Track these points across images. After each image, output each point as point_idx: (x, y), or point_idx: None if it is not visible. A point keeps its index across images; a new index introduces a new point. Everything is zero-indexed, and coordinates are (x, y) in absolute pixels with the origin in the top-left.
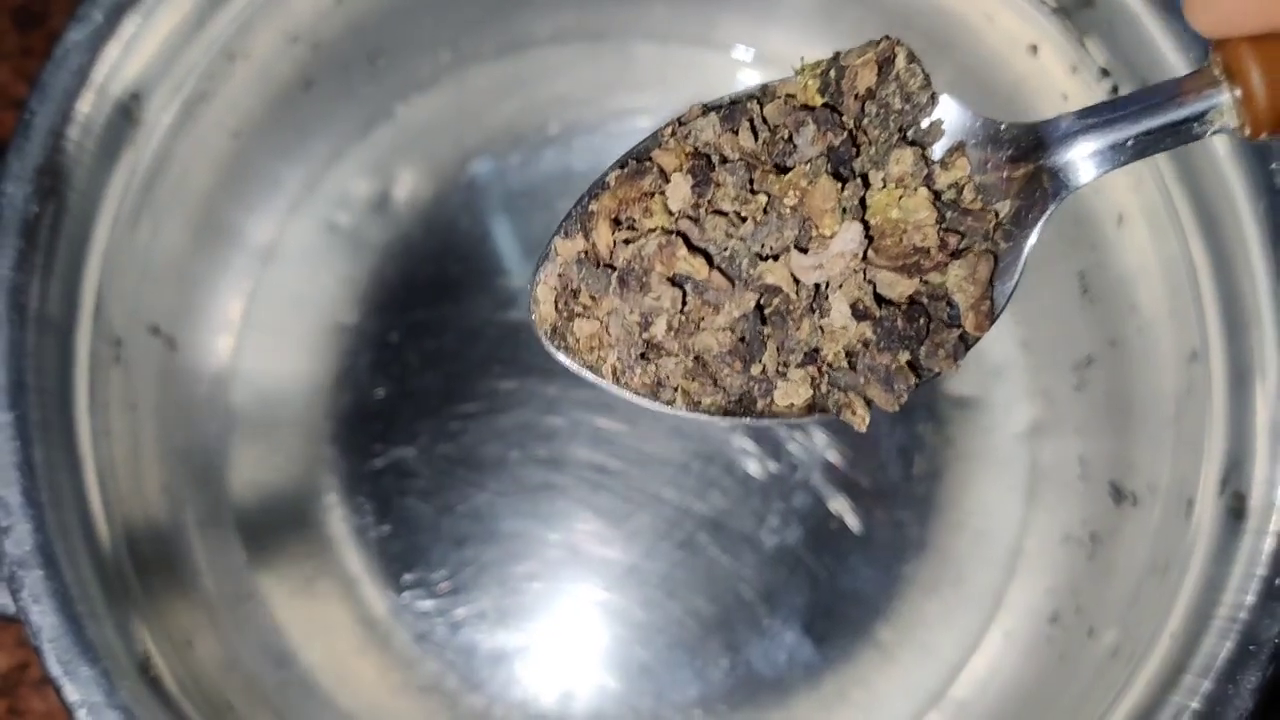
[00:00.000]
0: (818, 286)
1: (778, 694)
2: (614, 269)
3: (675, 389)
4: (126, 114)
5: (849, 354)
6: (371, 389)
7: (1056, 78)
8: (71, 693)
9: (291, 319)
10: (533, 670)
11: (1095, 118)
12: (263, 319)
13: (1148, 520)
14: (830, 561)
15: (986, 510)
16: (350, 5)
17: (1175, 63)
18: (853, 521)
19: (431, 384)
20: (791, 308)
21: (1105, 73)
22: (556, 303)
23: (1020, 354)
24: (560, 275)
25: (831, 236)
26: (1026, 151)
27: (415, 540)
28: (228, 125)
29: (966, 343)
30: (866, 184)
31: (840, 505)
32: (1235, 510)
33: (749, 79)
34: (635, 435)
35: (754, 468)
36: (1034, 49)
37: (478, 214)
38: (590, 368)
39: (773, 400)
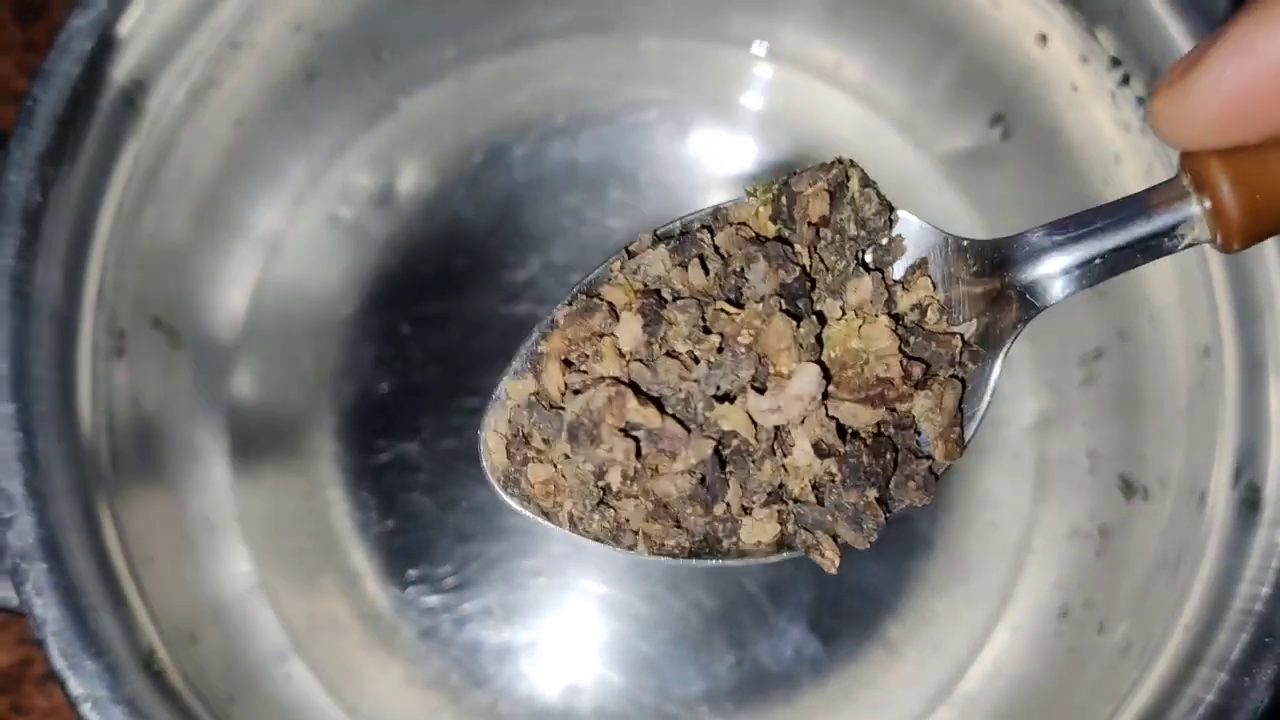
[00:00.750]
0: (777, 428)
1: (784, 690)
2: (565, 411)
3: (636, 532)
4: (130, 102)
5: (815, 486)
6: (375, 383)
7: (1066, 68)
8: (76, 686)
9: (294, 312)
10: (538, 666)
11: (1062, 234)
12: (266, 312)
13: (1159, 514)
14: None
15: (995, 505)
16: None
17: (1187, 50)
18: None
19: (435, 378)
20: (751, 449)
21: (1116, 62)
22: (509, 448)
23: (1027, 346)
24: (509, 421)
25: (789, 375)
26: (992, 267)
27: (419, 535)
28: (231, 115)
29: (936, 473)
30: (822, 320)
31: None
32: (1249, 502)
33: (763, 74)
34: None
35: None
36: (1043, 38)
37: (482, 207)
38: (546, 515)
39: (739, 539)
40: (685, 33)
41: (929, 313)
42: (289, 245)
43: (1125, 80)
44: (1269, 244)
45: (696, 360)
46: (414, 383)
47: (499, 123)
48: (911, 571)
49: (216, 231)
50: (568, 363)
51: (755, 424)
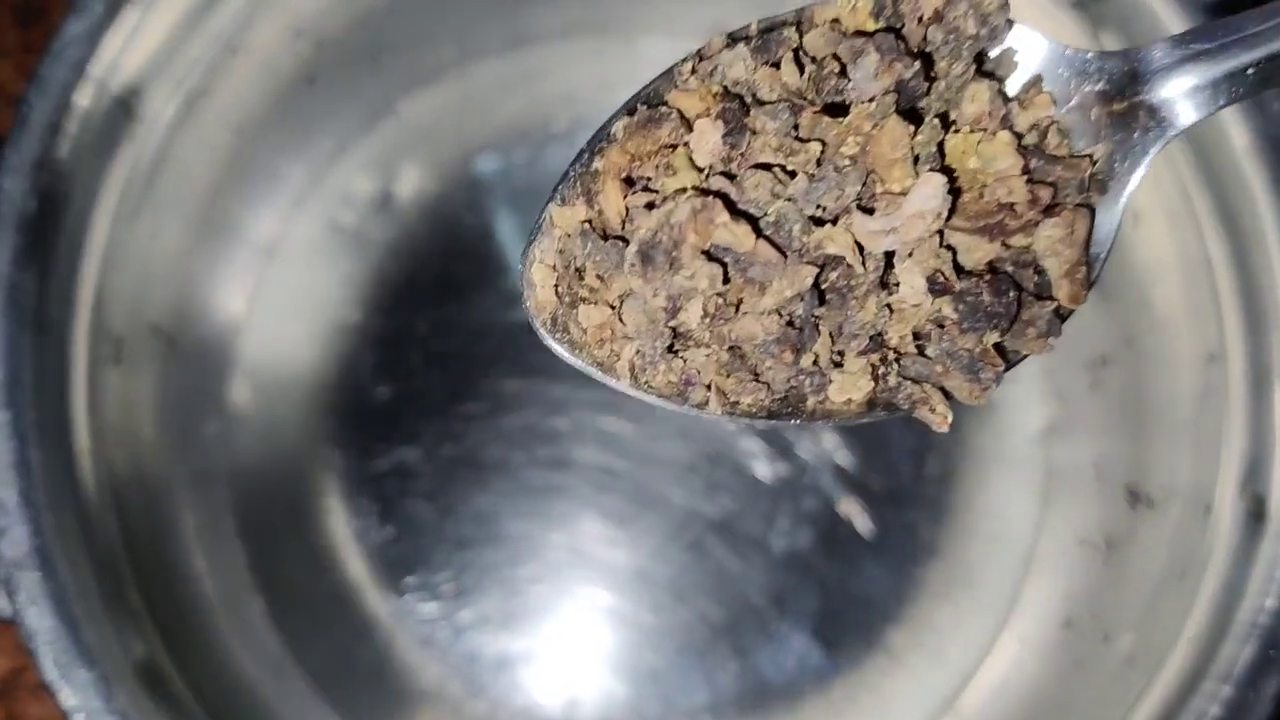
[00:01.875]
0: (888, 256)
1: (787, 700)
2: (626, 241)
3: (708, 387)
4: (126, 109)
5: (917, 336)
6: (374, 389)
7: None
8: (68, 697)
9: (293, 318)
10: (537, 676)
11: (1204, 42)
12: (264, 318)
13: (1164, 523)
14: (840, 565)
15: (999, 513)
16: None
17: None
18: (863, 524)
19: (435, 384)
20: (854, 283)
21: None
22: (556, 286)
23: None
24: (560, 252)
25: (903, 192)
26: (1118, 86)
27: (417, 542)
28: (229, 121)
29: (1061, 316)
30: (945, 124)
31: (850, 508)
32: (1255, 513)
33: None
34: (641, 436)
35: (762, 469)
36: None
37: (482, 211)
38: (600, 365)
39: (826, 397)
40: (685, 33)
41: (1049, 135)
42: (288, 250)
43: None
44: (1276, 255)
45: (791, 175)
46: (413, 388)
47: (499, 126)
48: (915, 579)
49: (215, 237)
50: (628, 182)
51: (862, 250)
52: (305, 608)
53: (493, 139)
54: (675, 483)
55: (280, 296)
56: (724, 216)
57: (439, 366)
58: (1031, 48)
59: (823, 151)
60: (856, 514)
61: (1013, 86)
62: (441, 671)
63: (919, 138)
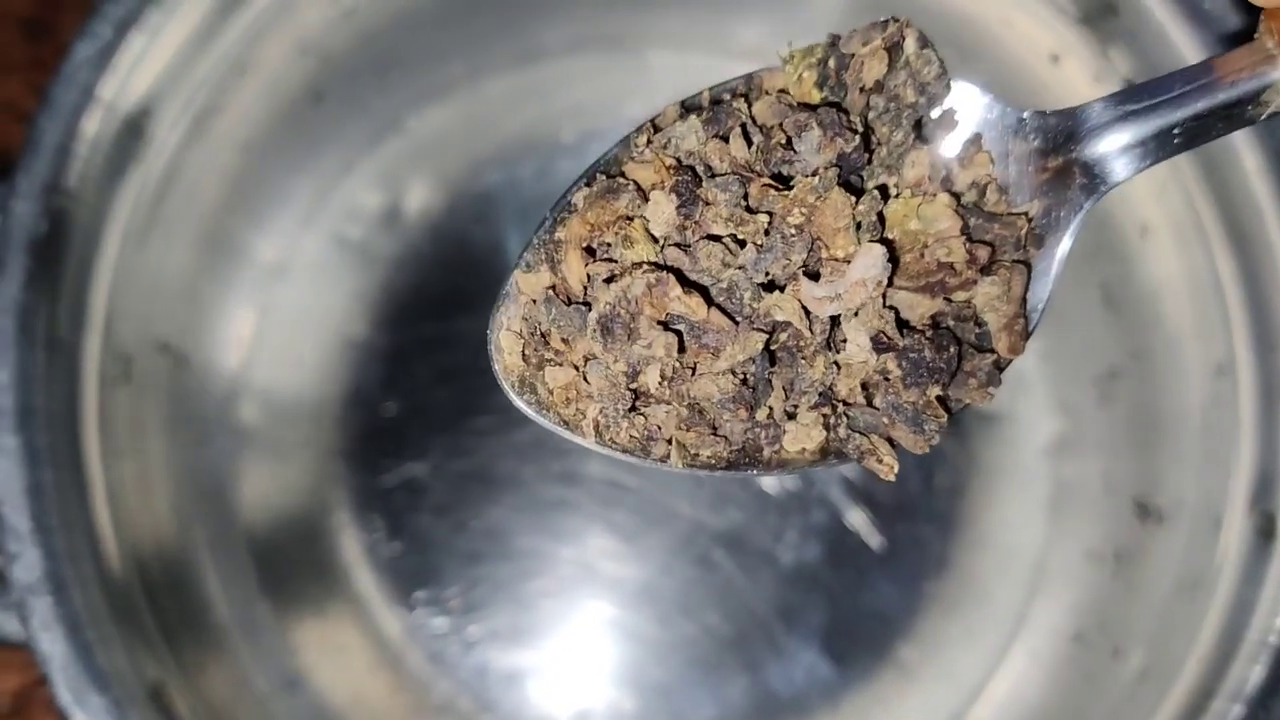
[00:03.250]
0: (833, 319)
1: (796, 714)
2: (588, 306)
3: (669, 442)
4: (135, 130)
5: (865, 387)
6: (382, 404)
7: (1078, 87)
8: None
9: (302, 334)
10: (546, 690)
11: (1134, 103)
12: (273, 334)
13: (1174, 538)
14: (849, 579)
15: (1009, 526)
16: (362, 17)
17: None
18: (872, 538)
19: (444, 399)
20: (803, 344)
21: (1129, 83)
22: (523, 351)
23: (1041, 366)
24: (525, 318)
25: (846, 259)
26: (1055, 143)
27: (427, 558)
28: (237, 139)
29: (1000, 367)
30: (885, 195)
31: (859, 521)
32: (1265, 530)
33: None
34: None
35: (770, 483)
36: (1055, 58)
37: (490, 226)
38: (567, 423)
39: (781, 447)
40: (693, 47)
41: (988, 192)
42: (296, 266)
43: None
44: None
45: (741, 244)
46: (422, 404)
47: (507, 140)
48: (923, 593)
49: (223, 254)
50: (589, 251)
51: (809, 314)
52: (316, 624)
53: (500, 153)
54: (683, 496)
55: (288, 312)
56: (677, 291)
57: (447, 381)
58: (971, 104)
59: (770, 221)
60: (865, 527)
61: (954, 145)
62: (451, 686)
63: (860, 207)
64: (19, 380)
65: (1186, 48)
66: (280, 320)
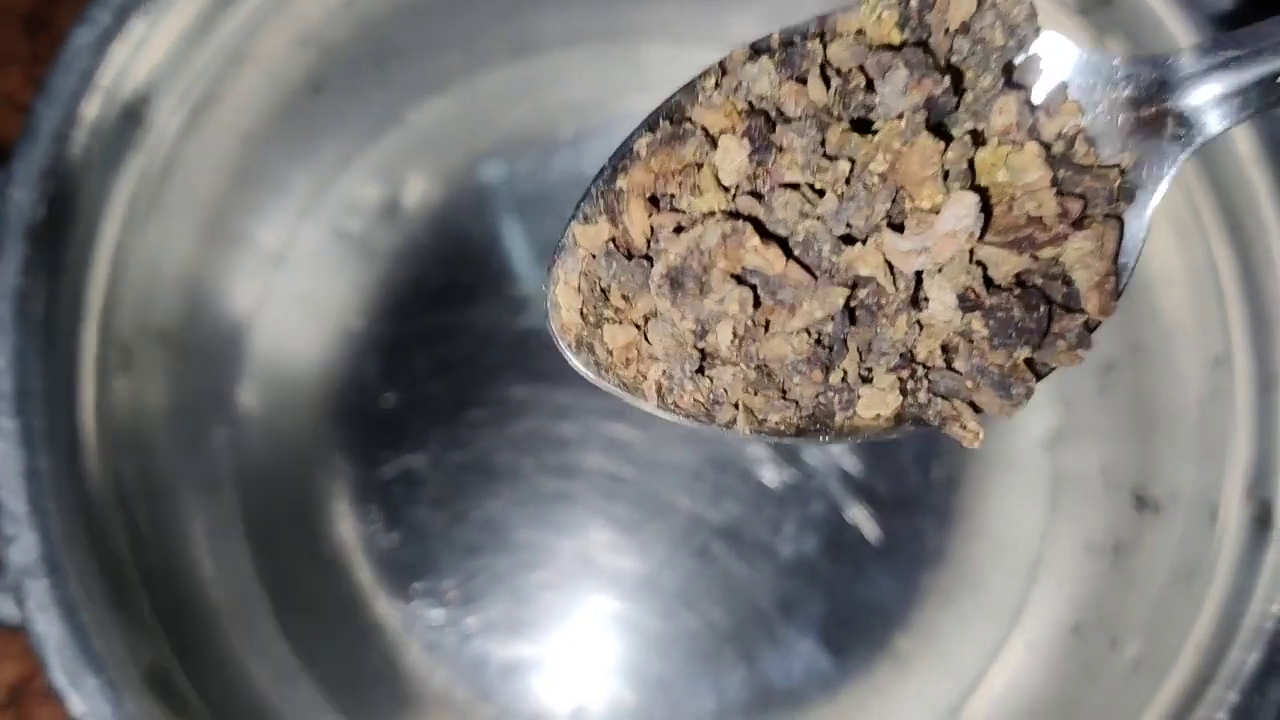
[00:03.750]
0: (918, 274)
1: (794, 705)
2: (650, 261)
3: (736, 406)
4: (134, 117)
5: (945, 349)
6: (381, 395)
7: None
8: (77, 704)
9: (301, 325)
10: (545, 682)
11: (1233, 49)
12: (272, 325)
13: (1171, 529)
14: (847, 571)
15: (1006, 518)
16: (361, 8)
17: None
18: (870, 530)
19: (442, 391)
20: (884, 302)
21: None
22: (581, 308)
23: None
24: (584, 273)
25: (934, 209)
26: (1146, 93)
27: (425, 549)
28: (236, 129)
29: (1090, 328)
30: (977, 141)
31: (857, 513)
32: (1261, 519)
33: None
34: (649, 442)
35: (769, 475)
36: None
37: (488, 219)
38: (626, 385)
39: (855, 413)
40: (689, 39)
41: (1076, 143)
42: (295, 258)
43: None
44: None
45: (819, 193)
46: (420, 395)
47: (505, 134)
48: (921, 585)
49: (222, 245)
50: (653, 201)
51: (893, 269)
52: (313, 613)
53: (499, 146)
54: (682, 489)
55: (287, 303)
56: (755, 241)
57: (446, 373)
58: (1058, 53)
59: (851, 169)
60: (863, 520)
61: (1038, 94)
62: (449, 677)
63: (949, 154)
64: (16, 364)
65: (1183, 38)
66: (279, 311)
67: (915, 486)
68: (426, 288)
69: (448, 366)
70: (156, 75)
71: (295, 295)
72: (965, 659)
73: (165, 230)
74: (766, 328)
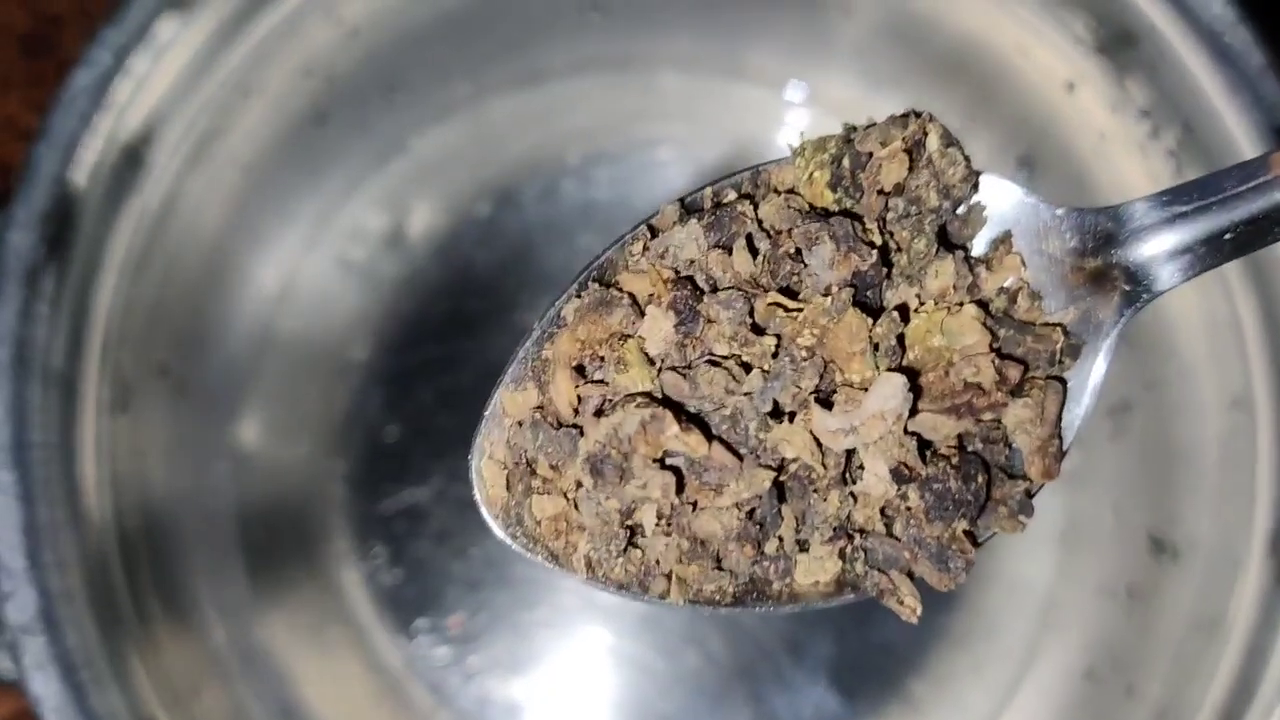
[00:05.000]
0: (848, 451)
1: None
2: (578, 430)
3: (669, 576)
4: (134, 158)
5: (884, 511)
6: (384, 428)
7: (1094, 116)
8: None
9: (303, 356)
10: None
11: (1182, 203)
12: (274, 356)
13: (1189, 575)
14: (857, 611)
15: (1019, 559)
16: (367, 37)
17: (1221, 107)
18: None
19: (446, 423)
20: (815, 478)
21: (1145, 114)
22: (508, 480)
23: None
24: (510, 443)
25: (863, 385)
26: (1094, 244)
27: (427, 584)
28: (240, 161)
29: (1031, 495)
30: (905, 316)
31: None
32: None
33: (788, 115)
34: None
35: None
36: (1070, 86)
37: (495, 248)
38: (556, 558)
39: (792, 580)
40: (703, 69)
41: (1019, 298)
42: (299, 288)
43: (1155, 133)
44: None
45: (745, 368)
46: (425, 427)
47: (512, 162)
48: (933, 626)
49: (225, 277)
50: (579, 370)
51: (821, 447)
52: (314, 652)
53: (505, 175)
54: None
55: (290, 335)
56: (674, 429)
57: (450, 405)
58: (1001, 199)
59: (778, 343)
60: None
61: (980, 242)
62: (452, 716)
63: (877, 329)
64: (14, 413)
65: (1206, 80)
66: (282, 343)
67: None
68: (431, 318)
69: (452, 398)
70: (159, 113)
71: (298, 327)
72: (977, 703)
73: (168, 266)
74: (695, 506)
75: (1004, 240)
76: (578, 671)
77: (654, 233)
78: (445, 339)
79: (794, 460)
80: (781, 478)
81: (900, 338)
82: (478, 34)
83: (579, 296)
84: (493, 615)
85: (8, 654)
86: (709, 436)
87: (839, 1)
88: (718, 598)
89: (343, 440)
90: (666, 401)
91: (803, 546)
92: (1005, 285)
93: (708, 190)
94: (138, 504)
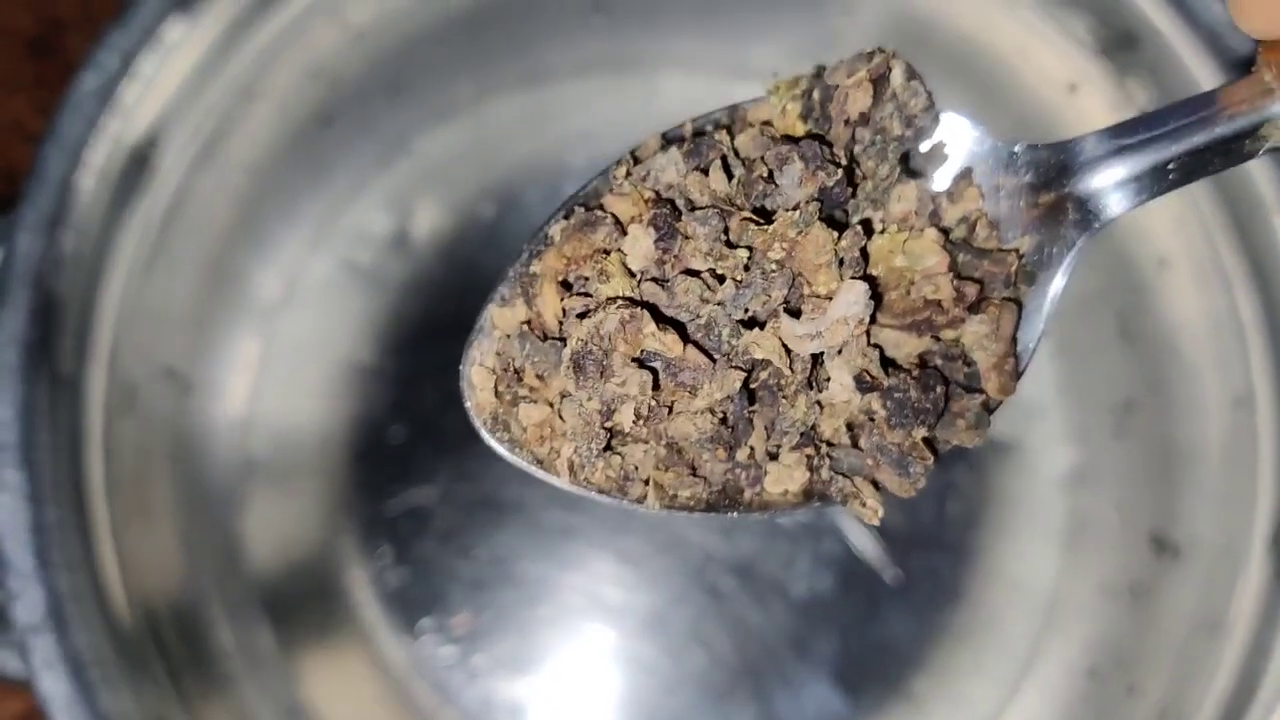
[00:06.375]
0: (815, 356)
1: None
2: (564, 342)
3: (646, 482)
4: (141, 162)
5: (851, 427)
6: (389, 428)
7: (1095, 117)
8: None
9: (309, 359)
10: None
11: (1129, 137)
12: (280, 359)
13: (1192, 574)
14: (861, 609)
15: (1022, 558)
16: (372, 40)
17: None
18: (884, 568)
19: (451, 424)
20: (783, 382)
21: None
22: (496, 386)
23: (1057, 396)
24: (499, 353)
25: (828, 295)
26: (1047, 178)
27: (433, 584)
28: (245, 164)
29: (990, 408)
30: (868, 231)
31: (871, 551)
32: None
33: None
34: None
35: None
36: (1072, 87)
37: (498, 250)
38: (540, 462)
39: (763, 489)
40: (702, 71)
41: (978, 228)
42: (303, 291)
43: None
44: None
45: (720, 279)
46: (430, 428)
47: (515, 164)
48: (936, 624)
49: (230, 281)
50: (565, 285)
51: (789, 352)
52: (321, 652)
53: (509, 176)
54: (692, 524)
55: (295, 337)
56: (651, 327)
57: (455, 406)
58: (961, 138)
59: (750, 256)
60: (877, 557)
61: (944, 179)
62: (456, 716)
63: (842, 243)
64: (23, 415)
65: (1206, 80)
66: (287, 345)
67: (930, 524)
68: (436, 320)
69: (457, 399)
70: (165, 116)
71: (303, 329)
72: (980, 700)
73: (174, 269)
74: (671, 409)
75: (965, 175)
76: (582, 671)
77: (636, 161)
78: (450, 340)
79: (764, 366)
80: (752, 385)
81: (864, 251)
82: (482, 36)
83: (566, 219)
84: (497, 614)
85: (17, 653)
86: (685, 339)
87: (840, 2)
88: (692, 504)
89: (348, 442)
90: (645, 305)
91: (773, 455)
92: (965, 216)
93: (688, 124)
94: (143, 503)
